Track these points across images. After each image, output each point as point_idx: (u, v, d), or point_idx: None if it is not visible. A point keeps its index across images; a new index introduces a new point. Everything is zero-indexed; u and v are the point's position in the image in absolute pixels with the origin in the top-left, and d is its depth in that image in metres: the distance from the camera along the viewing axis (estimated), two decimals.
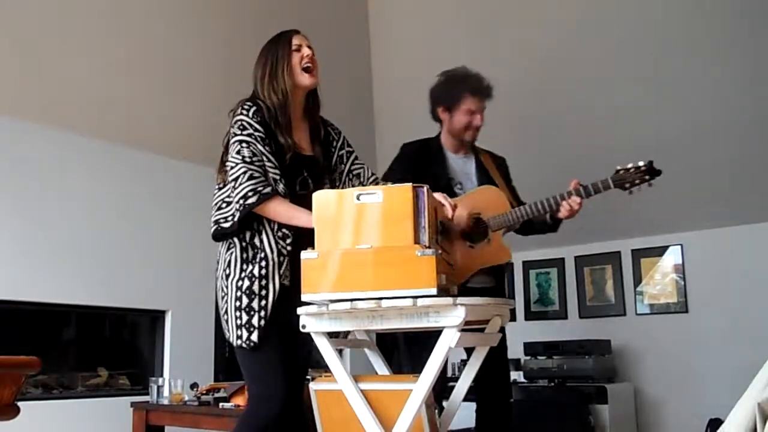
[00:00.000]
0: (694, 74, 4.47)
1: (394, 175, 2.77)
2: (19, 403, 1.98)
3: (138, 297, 4.37)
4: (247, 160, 2.18)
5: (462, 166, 3.01)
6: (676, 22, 4.50)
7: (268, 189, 2.16)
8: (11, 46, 3.90)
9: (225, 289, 2.24)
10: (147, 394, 3.82)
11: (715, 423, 4.02)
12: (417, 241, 1.84)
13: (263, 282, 2.18)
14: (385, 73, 5.84)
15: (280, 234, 2.22)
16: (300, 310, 1.96)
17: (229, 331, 2.22)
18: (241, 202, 2.16)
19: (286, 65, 2.33)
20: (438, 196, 2.17)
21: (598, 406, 4.48)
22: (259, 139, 2.22)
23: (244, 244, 2.23)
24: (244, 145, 2.20)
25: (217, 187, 2.34)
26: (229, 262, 2.25)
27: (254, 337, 2.15)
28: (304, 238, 2.18)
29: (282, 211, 2.19)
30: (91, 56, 4.21)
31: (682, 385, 4.73)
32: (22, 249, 3.88)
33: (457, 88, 2.97)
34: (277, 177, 2.21)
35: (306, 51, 2.36)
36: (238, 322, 2.18)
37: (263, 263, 2.20)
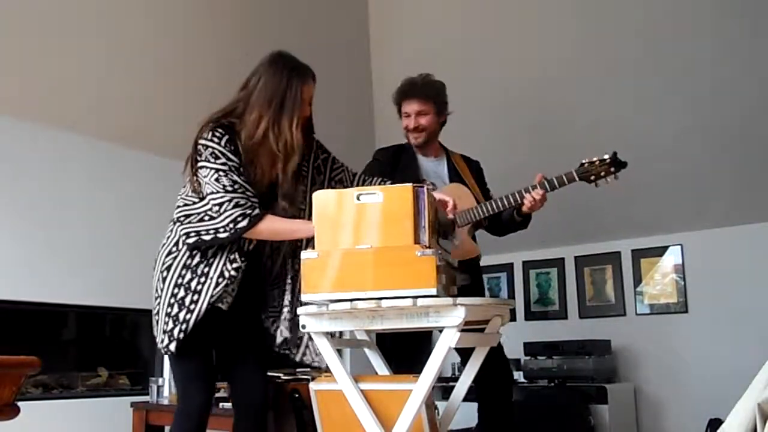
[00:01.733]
0: (694, 73, 4.47)
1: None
2: (19, 403, 1.98)
3: (138, 297, 4.35)
4: (229, 189, 2.16)
5: (434, 168, 3.04)
6: (675, 21, 4.49)
7: (256, 211, 2.16)
8: (11, 46, 3.89)
9: (159, 291, 2.26)
10: (147, 394, 3.82)
11: (715, 423, 4.02)
12: (417, 241, 1.84)
13: (195, 297, 2.20)
14: (385, 73, 5.84)
15: (231, 257, 2.22)
16: (300, 310, 1.96)
17: (156, 332, 2.27)
18: (231, 226, 2.15)
19: (296, 119, 2.22)
20: (437, 195, 2.18)
21: (598, 406, 4.48)
22: (233, 169, 2.19)
23: (193, 252, 2.23)
24: (221, 173, 2.17)
25: (188, 198, 2.29)
26: (169, 266, 2.26)
27: (172, 347, 2.21)
28: (256, 270, 2.27)
29: (278, 227, 2.19)
30: (90, 56, 4.21)
31: (682, 385, 4.73)
32: (22, 249, 3.88)
33: (394, 95, 3.03)
34: (256, 204, 2.20)
35: (309, 109, 2.31)
36: (165, 327, 2.22)
37: (202, 278, 2.21)
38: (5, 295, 3.79)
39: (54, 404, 3.91)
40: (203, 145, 2.21)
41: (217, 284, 2.20)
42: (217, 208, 2.18)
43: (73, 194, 4.13)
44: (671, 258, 4.94)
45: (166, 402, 3.60)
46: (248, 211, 2.15)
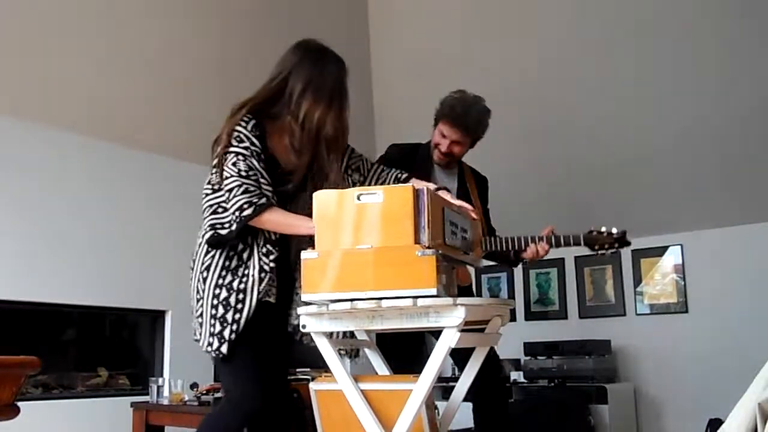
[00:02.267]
0: (694, 73, 4.47)
1: None
2: (19, 403, 1.98)
3: (138, 297, 4.37)
4: (243, 174, 2.15)
5: (444, 179, 3.03)
6: (676, 21, 4.49)
7: (263, 200, 2.15)
8: (11, 46, 3.90)
9: (201, 293, 2.23)
10: (147, 394, 3.82)
11: (715, 423, 4.02)
12: (417, 241, 1.84)
13: (240, 296, 2.18)
14: (385, 73, 5.84)
15: (264, 250, 2.21)
16: (300, 310, 1.96)
17: (201, 335, 2.21)
18: (237, 213, 2.14)
19: (348, 108, 2.28)
20: (456, 202, 2.18)
21: (598, 406, 4.49)
22: (255, 153, 2.19)
23: (231, 253, 2.21)
24: (240, 158, 2.17)
25: (210, 188, 2.27)
26: (209, 266, 2.22)
27: (224, 348, 2.16)
28: (289, 254, 2.24)
29: (280, 220, 2.18)
30: (90, 56, 4.21)
31: (682, 385, 4.73)
32: (22, 249, 3.88)
33: (443, 107, 3.01)
34: (270, 194, 2.19)
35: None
36: (212, 330, 2.17)
37: (244, 279, 2.19)
38: (5, 295, 3.79)
39: (54, 404, 3.91)
40: (231, 130, 2.20)
41: (261, 280, 2.18)
42: (228, 194, 2.16)
43: (73, 194, 4.13)
44: (671, 258, 4.94)
45: (166, 402, 3.60)
46: (255, 200, 2.14)
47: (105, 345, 4.65)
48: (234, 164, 2.17)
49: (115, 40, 4.33)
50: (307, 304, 1.94)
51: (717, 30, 4.36)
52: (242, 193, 2.14)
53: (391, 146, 3.11)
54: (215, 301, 2.18)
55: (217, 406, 2.31)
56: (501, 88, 5.11)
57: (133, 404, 3.67)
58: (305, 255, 1.91)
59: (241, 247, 2.22)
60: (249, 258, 2.20)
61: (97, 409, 4.04)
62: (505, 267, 3.08)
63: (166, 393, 3.64)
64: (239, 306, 2.17)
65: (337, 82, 2.27)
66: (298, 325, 2.25)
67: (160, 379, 3.73)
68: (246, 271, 2.19)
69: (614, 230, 2.87)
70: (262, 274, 2.19)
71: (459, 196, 2.95)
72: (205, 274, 2.22)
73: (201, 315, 2.22)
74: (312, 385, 2.07)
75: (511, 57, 5.07)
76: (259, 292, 2.18)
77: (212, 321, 2.18)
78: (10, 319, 3.92)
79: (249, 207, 2.13)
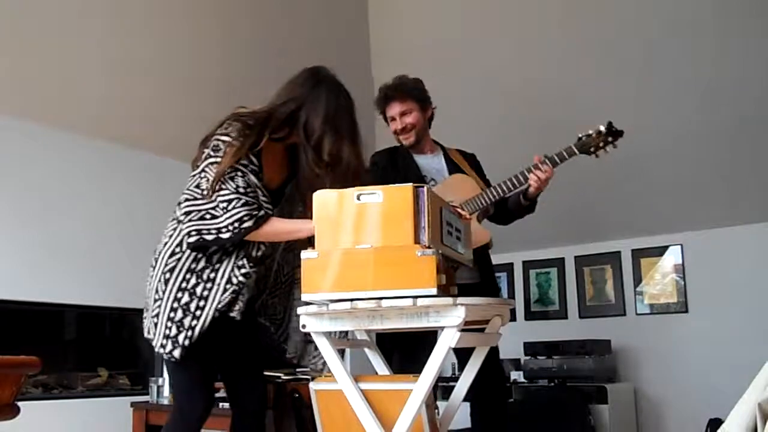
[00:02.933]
0: (694, 74, 4.47)
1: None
2: (19, 403, 1.98)
3: (138, 297, 4.33)
4: (241, 190, 2.13)
5: (431, 164, 3.03)
6: (676, 21, 4.49)
7: (262, 212, 2.14)
8: (11, 46, 3.90)
9: (160, 293, 2.18)
10: (147, 394, 3.82)
11: (715, 423, 4.02)
12: (417, 241, 1.83)
13: (201, 303, 2.14)
14: (385, 74, 5.83)
15: (240, 263, 2.17)
16: (300, 310, 1.96)
17: (154, 335, 2.18)
18: (236, 225, 2.10)
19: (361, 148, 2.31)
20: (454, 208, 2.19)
21: (598, 406, 4.48)
22: (252, 171, 2.17)
23: (199, 255, 2.17)
24: (239, 174, 2.14)
25: (199, 192, 2.19)
26: (173, 267, 2.18)
27: (176, 353, 2.13)
28: (266, 276, 2.27)
29: (281, 227, 2.17)
30: (91, 56, 4.21)
31: (682, 385, 4.73)
32: (22, 249, 3.88)
33: (377, 100, 3.07)
34: (270, 209, 2.18)
35: None
36: (167, 332, 2.14)
37: (208, 284, 2.15)
38: (5, 295, 3.79)
39: (54, 404, 3.91)
40: (224, 141, 2.15)
41: (225, 290, 2.15)
42: (225, 205, 2.12)
43: (73, 194, 4.13)
44: (671, 258, 4.94)
45: (166, 402, 3.60)
46: (254, 212, 2.12)
47: (105, 345, 4.65)
48: (232, 179, 2.13)
49: (116, 41, 4.33)
50: (307, 303, 1.94)
51: (717, 30, 4.35)
52: (242, 205, 2.11)
53: (374, 154, 3.11)
54: (175, 305, 2.15)
55: (169, 416, 2.30)
56: (501, 88, 5.12)
57: (133, 404, 3.67)
58: (305, 255, 1.91)
59: (213, 249, 2.17)
60: (219, 263, 2.17)
61: (97, 409, 4.04)
62: (524, 214, 3.02)
63: (166, 393, 3.63)
64: (198, 313, 2.13)
65: (353, 119, 2.30)
66: (294, 350, 2.29)
67: (160, 379, 3.73)
68: (212, 275, 2.16)
69: (601, 127, 2.83)
70: (228, 285, 2.15)
71: (450, 172, 3.00)
72: (168, 275, 2.18)
73: (157, 315, 2.17)
74: (312, 385, 2.07)
75: (511, 57, 5.07)
76: (219, 302, 2.14)
77: (168, 324, 2.14)
78: (10, 319, 3.92)
79: (249, 219, 2.10)
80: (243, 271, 2.16)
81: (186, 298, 2.15)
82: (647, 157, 4.66)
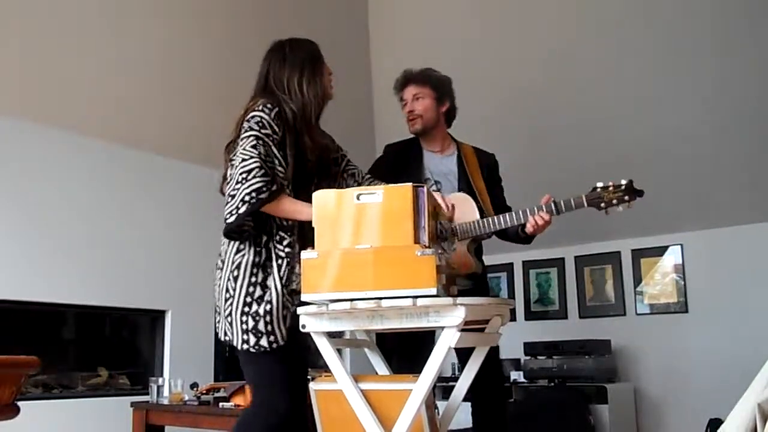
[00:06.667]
0: (695, 73, 4.47)
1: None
2: (19, 403, 1.98)
3: (138, 297, 4.37)
4: (263, 156, 2.15)
5: (439, 165, 2.97)
6: (676, 21, 4.50)
7: (275, 186, 2.15)
8: (11, 46, 3.90)
9: (231, 291, 2.20)
10: (147, 394, 3.82)
11: (715, 423, 4.02)
12: (417, 241, 1.84)
13: (266, 290, 2.18)
14: (385, 73, 5.84)
15: (277, 237, 2.22)
16: (300, 310, 1.96)
17: (233, 334, 2.19)
18: (254, 195, 2.11)
19: (324, 79, 2.39)
20: (437, 195, 2.17)
21: (598, 406, 4.49)
22: (274, 141, 2.20)
23: (258, 248, 2.21)
24: (260, 142, 2.17)
25: (225, 182, 2.27)
26: (239, 264, 2.21)
27: (263, 341, 2.14)
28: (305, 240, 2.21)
29: (286, 206, 2.17)
30: (91, 56, 4.21)
31: (682, 385, 4.73)
32: (22, 249, 3.88)
33: (396, 83, 3.04)
34: (285, 183, 2.20)
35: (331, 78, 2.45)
36: (244, 327, 2.15)
37: (269, 270, 2.19)
38: (5, 295, 3.79)
39: (54, 404, 3.91)
40: (252, 116, 2.21)
41: (279, 267, 2.18)
42: (245, 175, 2.12)
43: (73, 194, 4.13)
44: (671, 258, 4.94)
45: (166, 402, 3.60)
46: (269, 185, 2.13)
47: (105, 345, 4.64)
48: (254, 146, 2.16)
49: (116, 41, 4.33)
50: (307, 303, 1.94)
51: (717, 29, 4.36)
52: (262, 175, 2.12)
53: (387, 146, 3.10)
54: (248, 299, 2.17)
55: (246, 410, 2.26)
56: (501, 88, 5.12)
57: (133, 404, 3.67)
58: (305, 255, 1.91)
59: (265, 239, 2.22)
60: (273, 250, 2.21)
61: (97, 409, 4.04)
62: (520, 245, 2.96)
63: (166, 393, 3.63)
64: (268, 297, 2.16)
65: (308, 53, 2.38)
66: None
67: (160, 379, 3.73)
68: (269, 263, 2.20)
69: (622, 182, 2.55)
70: (279, 261, 2.19)
71: (459, 178, 2.93)
72: (236, 272, 2.21)
73: (230, 314, 2.19)
74: (312, 385, 2.07)
75: (511, 58, 5.07)
76: (280, 278, 2.17)
77: (243, 318, 2.16)
78: (10, 319, 3.92)
79: (267, 191, 2.12)
80: (285, 242, 2.21)
81: (259, 291, 2.18)
82: (647, 157, 4.67)
